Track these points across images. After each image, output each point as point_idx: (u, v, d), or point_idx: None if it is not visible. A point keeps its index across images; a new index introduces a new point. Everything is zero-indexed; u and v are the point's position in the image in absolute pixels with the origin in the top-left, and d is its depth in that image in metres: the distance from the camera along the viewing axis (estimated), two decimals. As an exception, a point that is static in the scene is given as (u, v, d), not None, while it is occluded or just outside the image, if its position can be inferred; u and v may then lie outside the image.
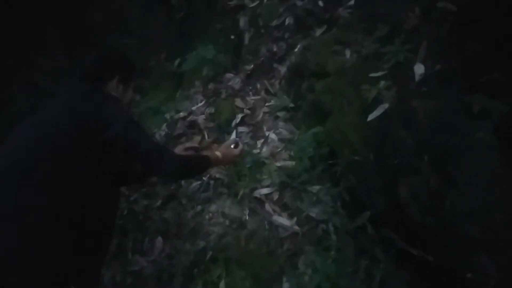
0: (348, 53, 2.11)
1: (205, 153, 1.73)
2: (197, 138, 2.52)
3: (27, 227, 1.22)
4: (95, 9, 4.77)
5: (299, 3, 2.71)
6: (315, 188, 2.04)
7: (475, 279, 1.47)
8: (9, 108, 4.54)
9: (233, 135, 2.40)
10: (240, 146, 1.84)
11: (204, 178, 2.31)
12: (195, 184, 2.31)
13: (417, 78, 1.78)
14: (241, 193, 2.13)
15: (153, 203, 2.34)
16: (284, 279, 1.83)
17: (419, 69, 1.80)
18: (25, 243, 1.22)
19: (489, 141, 1.47)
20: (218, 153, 1.70)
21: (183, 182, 2.37)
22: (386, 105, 1.78)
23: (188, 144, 2.02)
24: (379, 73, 1.89)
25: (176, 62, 3.64)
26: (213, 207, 2.13)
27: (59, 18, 4.93)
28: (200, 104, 2.91)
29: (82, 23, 4.80)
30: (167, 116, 3.12)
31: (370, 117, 1.78)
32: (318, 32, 2.47)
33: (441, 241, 1.59)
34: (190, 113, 2.79)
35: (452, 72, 1.76)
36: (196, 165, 1.57)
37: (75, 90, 1.48)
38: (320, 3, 2.58)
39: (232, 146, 1.84)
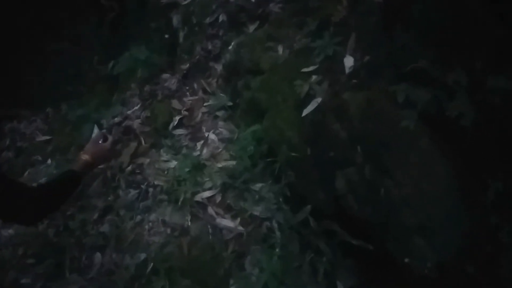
0: (280, 49, 2.11)
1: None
2: (133, 144, 2.41)
3: None
4: (17, 13, 4.44)
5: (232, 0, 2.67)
6: (258, 186, 2.03)
7: (413, 263, 1.51)
8: None
9: (95, 130, 2.24)
10: (110, 138, 1.60)
11: (142, 186, 2.22)
12: (133, 193, 2.21)
13: (347, 70, 1.80)
14: (182, 198, 2.06)
15: (90, 216, 2.21)
16: (231, 281, 1.80)
17: (348, 61, 1.82)
18: None
19: (415, 129, 1.51)
20: (85, 156, 1.48)
21: (120, 191, 2.27)
22: (319, 99, 1.79)
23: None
24: (311, 68, 1.90)
25: (110, 64, 3.48)
26: (153, 216, 2.05)
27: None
28: (136, 108, 2.78)
29: (7, 28, 4.46)
30: (103, 122, 2.97)
31: (305, 112, 1.78)
32: (251, 28, 2.44)
33: (379, 230, 1.63)
34: (126, 117, 2.67)
35: (380, 63, 1.80)
36: (60, 191, 1.33)
37: None
38: (252, -1, 2.55)
39: (100, 142, 1.58)
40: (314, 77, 1.84)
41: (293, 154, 1.79)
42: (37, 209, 1.19)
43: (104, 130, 1.58)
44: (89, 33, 4.08)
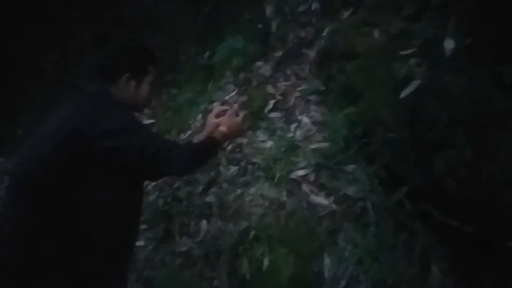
0: (376, 33, 2.14)
1: (210, 134, 1.63)
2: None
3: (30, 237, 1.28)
4: (124, 8, 4.94)
5: (325, -12, 2.74)
6: (351, 167, 2.10)
7: (516, 248, 1.49)
8: (45, 107, 4.81)
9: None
10: (241, 113, 1.68)
11: (241, 163, 2.42)
12: (234, 169, 2.42)
13: (447, 53, 1.79)
14: (278, 175, 2.21)
15: (195, 189, 2.46)
16: (325, 254, 1.91)
17: (449, 44, 1.81)
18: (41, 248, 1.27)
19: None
20: (223, 128, 1.58)
21: (221, 168, 2.49)
22: (418, 82, 1.80)
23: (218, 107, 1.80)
24: (409, 51, 1.91)
25: (206, 55, 3.75)
26: (252, 190, 2.23)
27: (90, 18, 5.14)
28: (232, 94, 3.00)
29: (113, 22, 5.00)
30: (202, 107, 3.25)
31: (403, 94, 1.81)
32: (345, 14, 2.49)
33: (479, 213, 1.62)
34: (224, 102, 2.89)
35: (482, 44, 1.76)
36: (205, 151, 1.49)
37: (79, 94, 1.43)
38: (346, -14, 2.60)
39: (234, 116, 1.67)
40: (412, 59, 1.86)
41: (390, 135, 1.84)
42: (185, 162, 1.36)
43: (236, 106, 1.72)
44: (187, 26, 4.42)
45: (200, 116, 3.16)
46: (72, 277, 1.30)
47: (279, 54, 2.90)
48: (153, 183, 2.76)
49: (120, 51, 1.52)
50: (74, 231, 1.30)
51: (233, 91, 3.06)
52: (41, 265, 1.28)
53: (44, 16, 5.20)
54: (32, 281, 1.27)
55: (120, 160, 1.31)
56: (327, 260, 1.89)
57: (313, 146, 2.27)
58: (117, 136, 1.29)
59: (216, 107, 1.74)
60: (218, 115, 1.68)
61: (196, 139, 1.65)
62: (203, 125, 2.81)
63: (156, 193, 2.71)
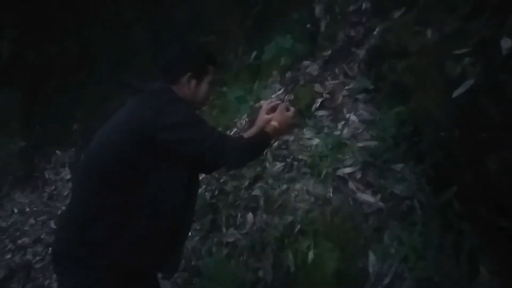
0: (429, 32, 2.12)
1: (261, 128, 1.68)
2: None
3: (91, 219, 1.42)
4: (175, 8, 5.14)
5: (376, -12, 2.74)
6: (399, 166, 2.10)
7: None
8: (106, 105, 5.11)
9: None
10: (292, 109, 1.70)
11: (287, 159, 2.47)
12: (279, 165, 2.47)
13: (504, 52, 1.75)
14: (324, 172, 2.24)
15: (241, 183, 2.55)
16: (370, 251, 1.93)
17: (506, 43, 1.77)
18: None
19: None
20: (274, 123, 1.62)
21: (267, 164, 2.55)
22: (471, 81, 1.78)
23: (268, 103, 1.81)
24: (463, 50, 1.89)
25: (253, 54, 3.84)
26: (298, 186, 2.28)
27: (143, 18, 5.39)
28: (279, 92, 3.06)
29: (166, 24, 5.21)
30: (248, 105, 3.34)
31: (455, 93, 1.79)
32: (397, 14, 2.48)
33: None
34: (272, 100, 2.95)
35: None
36: (258, 145, 1.58)
37: (144, 91, 1.55)
38: (398, -14, 2.59)
39: (285, 112, 1.68)
40: (466, 59, 1.84)
41: (441, 134, 1.83)
42: (240, 155, 1.47)
43: (287, 102, 1.74)
44: (235, 26, 4.54)
45: (246, 114, 3.25)
46: (128, 254, 1.42)
47: (327, 53, 2.93)
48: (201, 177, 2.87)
49: (183, 52, 1.63)
50: (135, 213, 1.43)
51: (279, 90, 3.12)
52: (100, 241, 1.41)
53: (99, 16, 5.50)
54: (90, 254, 1.40)
55: (181, 151, 1.43)
56: (372, 257, 1.90)
57: (360, 144, 2.28)
58: (179, 129, 1.42)
59: (265, 104, 1.79)
60: (269, 112, 1.74)
61: (247, 134, 1.72)
62: (250, 122, 2.90)
63: (204, 186, 2.82)
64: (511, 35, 1.80)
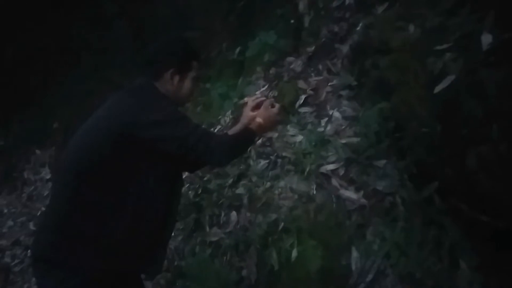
0: (412, 28, 2.12)
1: (245, 125, 1.66)
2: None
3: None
4: (159, 5, 5.06)
5: (359, -17, 2.73)
6: (381, 162, 2.10)
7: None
8: (87, 103, 5.01)
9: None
10: (277, 105, 1.67)
11: (271, 157, 2.45)
12: (263, 162, 2.45)
13: (484, 48, 1.76)
14: (307, 169, 2.23)
15: (225, 181, 2.52)
16: (353, 248, 1.92)
17: (486, 38, 1.78)
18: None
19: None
20: (259, 120, 1.60)
21: (251, 161, 2.53)
22: (453, 77, 1.78)
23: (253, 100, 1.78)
24: (445, 46, 1.89)
25: (237, 50, 3.80)
26: (281, 183, 2.26)
27: (127, 16, 5.30)
28: (263, 88, 3.04)
29: (149, 19, 5.13)
30: (232, 102, 3.31)
31: (437, 89, 1.79)
32: (380, 9, 2.48)
33: (510, 209, 1.60)
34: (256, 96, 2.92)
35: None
36: (243, 142, 1.57)
37: (124, 87, 1.53)
38: (381, -19, 2.58)
39: (270, 108, 1.65)
40: (448, 54, 1.84)
41: (423, 130, 1.83)
42: (224, 152, 1.44)
43: (272, 98, 1.72)
44: (219, 22, 4.49)
45: (230, 111, 3.22)
46: (110, 255, 1.39)
47: (311, 49, 2.91)
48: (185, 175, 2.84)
49: (166, 47, 1.60)
50: (116, 213, 1.39)
51: (263, 86, 3.10)
52: (81, 242, 1.37)
53: (81, 12, 5.39)
54: (70, 256, 1.36)
55: (164, 149, 1.40)
56: (355, 253, 1.90)
57: (343, 141, 2.28)
58: (162, 126, 1.39)
59: (250, 101, 1.77)
60: (253, 109, 1.71)
61: (232, 131, 1.70)
62: (235, 119, 2.87)
63: (187, 185, 2.78)
64: (492, 30, 1.81)
